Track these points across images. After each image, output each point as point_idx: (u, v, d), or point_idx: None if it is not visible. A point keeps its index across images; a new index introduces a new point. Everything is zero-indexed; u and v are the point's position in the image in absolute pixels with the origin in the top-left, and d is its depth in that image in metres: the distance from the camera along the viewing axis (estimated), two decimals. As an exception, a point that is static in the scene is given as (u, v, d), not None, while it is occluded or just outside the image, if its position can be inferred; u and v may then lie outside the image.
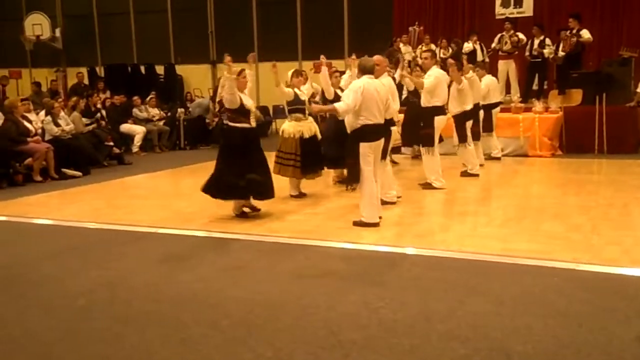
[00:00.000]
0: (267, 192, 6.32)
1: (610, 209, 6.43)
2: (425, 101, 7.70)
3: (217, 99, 10.40)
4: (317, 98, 8.41)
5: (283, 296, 4.10)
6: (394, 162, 8.98)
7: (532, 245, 5.16)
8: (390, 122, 6.61)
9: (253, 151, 6.24)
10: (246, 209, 6.48)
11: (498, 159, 10.11)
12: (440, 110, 7.72)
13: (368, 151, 5.75)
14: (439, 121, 7.70)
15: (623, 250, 4.94)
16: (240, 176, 6.06)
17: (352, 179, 5.84)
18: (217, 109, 13.05)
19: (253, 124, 6.28)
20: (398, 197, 6.88)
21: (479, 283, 4.23)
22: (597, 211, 6.34)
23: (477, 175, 8.56)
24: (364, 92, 5.64)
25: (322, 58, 7.47)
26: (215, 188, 6.25)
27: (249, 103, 6.25)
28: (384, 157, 6.53)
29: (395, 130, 6.78)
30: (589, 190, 7.59)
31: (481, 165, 9.34)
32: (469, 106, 8.39)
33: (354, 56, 7.75)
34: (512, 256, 4.81)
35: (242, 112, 6.15)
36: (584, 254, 4.85)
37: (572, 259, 4.69)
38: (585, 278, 4.31)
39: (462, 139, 8.36)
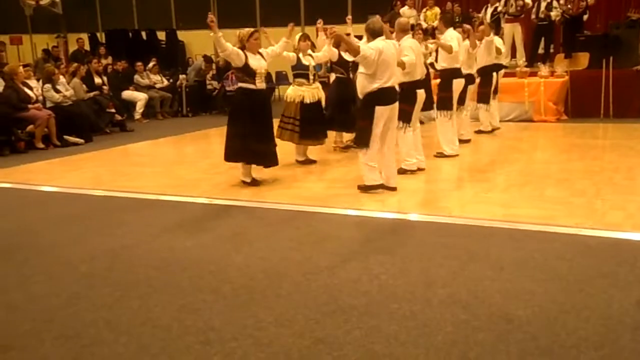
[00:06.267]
0: (269, 159, 6.31)
1: (615, 173, 6.38)
2: (444, 64, 7.57)
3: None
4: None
5: (284, 262, 4.11)
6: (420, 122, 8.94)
7: (535, 210, 5.14)
8: (416, 85, 6.52)
9: (259, 114, 6.15)
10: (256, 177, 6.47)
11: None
12: (458, 72, 7.60)
13: (383, 115, 5.67)
14: (457, 84, 7.60)
15: (626, 215, 4.92)
16: (245, 140, 6.02)
17: (361, 143, 5.77)
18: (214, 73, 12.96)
19: (260, 85, 6.15)
20: (420, 169, 6.75)
21: (480, 249, 4.22)
22: (602, 176, 6.30)
23: (468, 140, 8.46)
24: (382, 54, 5.53)
25: (319, 22, 7.47)
26: (230, 152, 6.22)
27: (257, 64, 6.10)
28: (408, 121, 6.46)
29: (423, 93, 6.66)
30: (593, 155, 7.53)
31: (497, 128, 9.28)
32: (474, 70, 8.31)
33: (349, 17, 7.72)
34: (514, 222, 4.80)
35: (247, 71, 6.06)
36: (586, 219, 4.83)
37: (574, 224, 4.67)
38: (587, 243, 4.30)
39: (461, 102, 8.24)
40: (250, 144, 6.05)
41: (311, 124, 7.21)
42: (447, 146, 7.53)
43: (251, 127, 6.06)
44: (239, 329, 3.16)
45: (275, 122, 6.77)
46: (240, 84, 6.18)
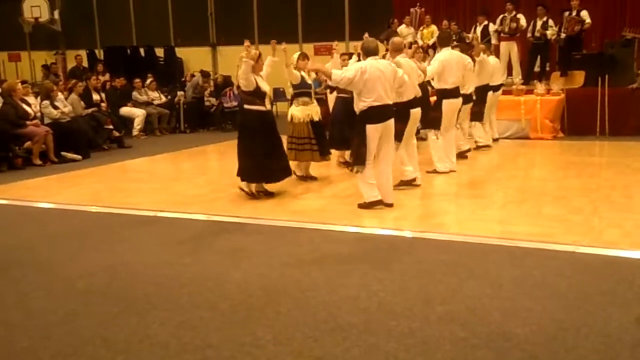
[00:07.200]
0: (284, 173, 6.51)
1: (612, 191, 6.41)
2: (434, 83, 7.66)
3: (236, 84, 10.51)
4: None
5: (283, 279, 4.10)
6: (422, 139, 9.01)
7: (532, 228, 5.15)
8: (411, 104, 6.56)
9: (269, 134, 6.36)
10: (259, 193, 6.52)
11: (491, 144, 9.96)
12: (449, 93, 7.61)
13: (374, 133, 5.71)
14: (447, 104, 7.63)
15: (624, 232, 4.93)
16: (260, 160, 6.20)
17: (357, 161, 5.80)
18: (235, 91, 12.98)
19: (268, 106, 6.41)
20: (415, 185, 6.80)
21: (478, 266, 4.22)
22: (598, 194, 6.32)
23: (466, 155, 8.51)
24: (366, 73, 5.57)
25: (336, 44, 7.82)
26: (245, 173, 6.35)
27: (265, 87, 6.33)
28: (399, 139, 6.49)
29: (418, 111, 6.73)
30: (590, 172, 7.56)
31: (488, 145, 9.35)
32: (470, 90, 8.36)
33: (336, 42, 7.90)
34: (512, 239, 4.80)
35: (257, 94, 6.25)
36: (584, 236, 4.84)
37: (572, 242, 4.68)
38: (585, 261, 4.31)
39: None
40: (266, 164, 6.23)
41: (322, 140, 7.32)
42: (439, 163, 7.59)
43: (265, 147, 6.25)
44: (237, 346, 3.15)
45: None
46: (249, 106, 6.29)
